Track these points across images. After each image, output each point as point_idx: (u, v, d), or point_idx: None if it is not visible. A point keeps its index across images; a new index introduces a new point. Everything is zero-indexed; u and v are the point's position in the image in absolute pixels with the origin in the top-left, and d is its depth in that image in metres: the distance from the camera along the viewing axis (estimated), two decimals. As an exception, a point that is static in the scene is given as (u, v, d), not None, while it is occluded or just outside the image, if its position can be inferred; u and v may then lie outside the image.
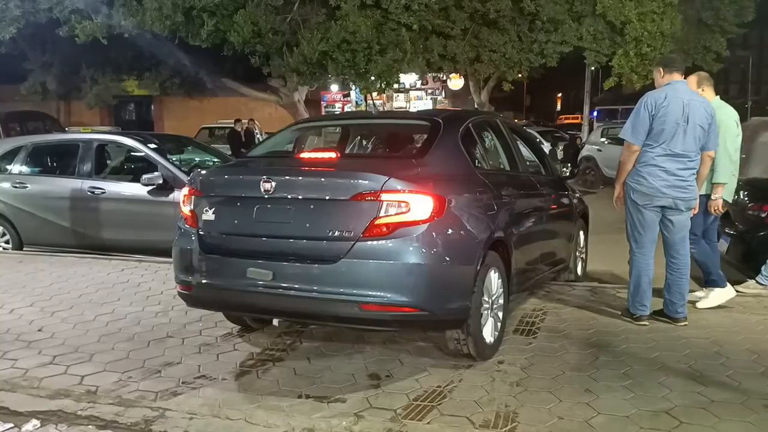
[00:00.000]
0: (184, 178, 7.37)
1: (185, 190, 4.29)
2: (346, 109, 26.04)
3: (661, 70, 4.88)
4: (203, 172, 4.41)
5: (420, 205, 3.68)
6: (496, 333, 4.28)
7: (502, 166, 5.24)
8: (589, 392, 3.62)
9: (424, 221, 3.67)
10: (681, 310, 4.85)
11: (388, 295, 3.63)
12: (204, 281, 4.09)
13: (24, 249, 8.02)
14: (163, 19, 14.34)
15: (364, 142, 5.85)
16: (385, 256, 3.64)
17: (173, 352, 4.36)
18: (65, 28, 15.29)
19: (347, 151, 5.60)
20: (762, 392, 3.60)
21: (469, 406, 3.46)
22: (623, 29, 15.66)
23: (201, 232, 4.12)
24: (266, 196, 3.89)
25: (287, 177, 3.98)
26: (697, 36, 19.46)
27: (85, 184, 7.65)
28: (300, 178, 4.01)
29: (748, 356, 4.18)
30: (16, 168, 8.20)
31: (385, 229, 3.65)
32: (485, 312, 4.14)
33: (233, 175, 4.39)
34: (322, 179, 3.95)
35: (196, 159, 9.68)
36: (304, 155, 4.52)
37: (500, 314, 4.35)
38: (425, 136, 4.46)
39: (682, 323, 4.82)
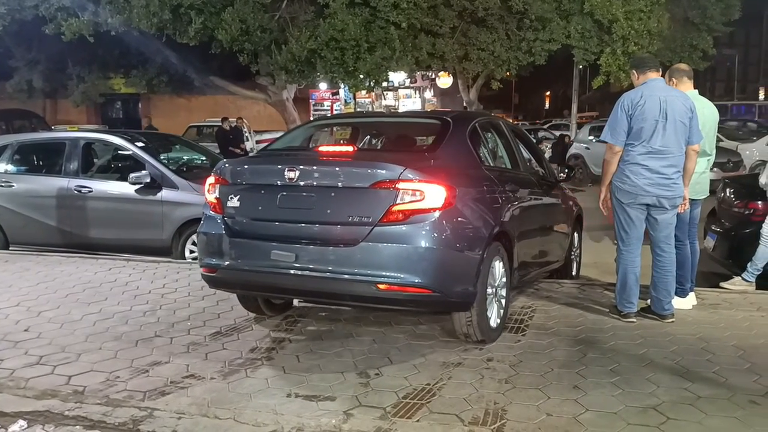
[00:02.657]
0: (172, 176, 7.36)
1: (211, 179, 4.53)
2: (335, 107, 26.00)
3: (635, 72, 4.91)
4: (228, 162, 4.69)
5: (433, 194, 3.95)
6: (499, 318, 4.57)
7: (504, 165, 5.44)
8: (577, 389, 3.63)
9: (436, 209, 3.95)
10: (668, 307, 4.88)
11: (403, 276, 3.89)
12: (228, 263, 4.35)
13: (10, 248, 7.96)
14: (150, 16, 14.25)
15: (378, 139, 6.04)
16: (401, 240, 3.92)
17: (161, 351, 4.34)
18: (51, 26, 15.18)
19: (362, 146, 5.80)
20: (748, 388, 3.63)
21: (458, 403, 3.47)
22: (611, 27, 15.76)
23: (226, 218, 4.39)
24: (290, 184, 4.17)
25: (310, 166, 4.24)
26: (683, 34, 19.61)
27: (72, 182, 7.60)
28: (322, 167, 4.28)
29: (734, 352, 4.21)
30: (1, 167, 8.11)
31: (401, 216, 3.94)
32: (490, 298, 4.41)
33: (258, 165, 4.66)
34: (344, 169, 4.20)
35: (184, 157, 9.66)
36: (323, 149, 4.72)
37: (503, 302, 4.62)
38: (436, 133, 4.74)
39: (669, 320, 4.85)
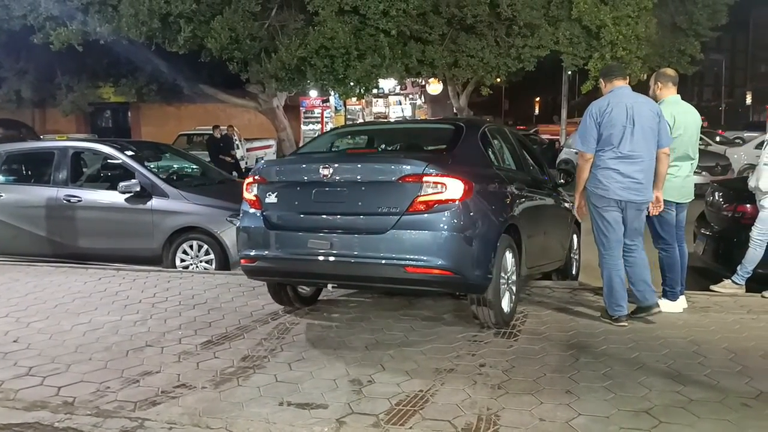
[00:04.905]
0: (162, 185, 7.33)
1: (249, 179, 5.00)
2: (326, 114, 26.00)
3: (602, 81, 5.10)
4: (265, 163, 5.32)
5: (453, 187, 4.42)
6: (511, 305, 4.97)
7: (511, 167, 5.85)
8: (569, 394, 3.63)
9: (456, 200, 4.41)
10: (649, 296, 4.95)
11: (427, 259, 4.36)
12: (267, 253, 4.77)
13: (-1, 259, 7.90)
14: (139, 25, 14.23)
15: (399, 142, 6.34)
16: (425, 228, 4.39)
17: (152, 361, 4.31)
18: (40, 35, 15.12)
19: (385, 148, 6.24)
20: (739, 390, 3.64)
21: (451, 409, 3.46)
22: (599, 33, 15.86)
23: (265, 213, 4.81)
24: (324, 180, 4.63)
25: (343, 164, 4.77)
26: (671, 39, 19.79)
27: (61, 192, 7.56)
28: (354, 164, 4.79)
29: (726, 355, 4.23)
30: (-10, 177, 8.07)
31: (425, 206, 4.41)
32: (503, 285, 4.81)
33: (294, 164, 5.20)
34: (373, 165, 4.75)
35: (174, 166, 9.62)
36: (347, 151, 5.14)
37: (513, 290, 5.01)
38: (451, 135, 5.23)
39: (656, 310, 4.93)
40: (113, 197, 7.38)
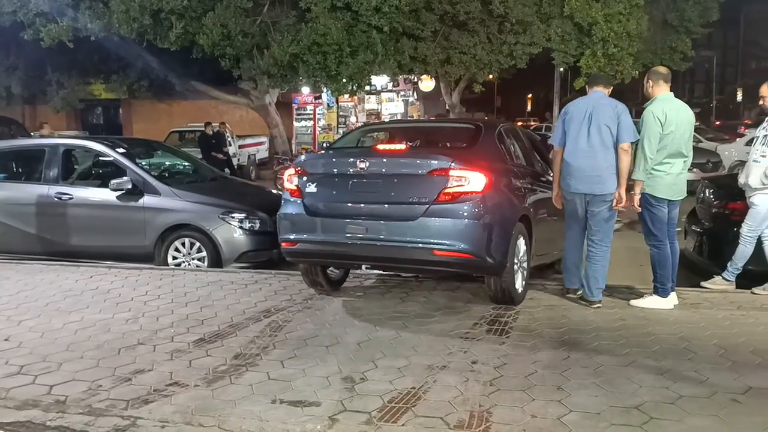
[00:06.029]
0: (154, 182, 7.30)
1: (291, 171, 5.52)
2: (318, 111, 25.96)
3: (587, 85, 5.64)
4: (306, 156, 5.95)
5: (476, 180, 4.92)
6: (523, 285, 5.48)
7: (522, 163, 6.28)
8: (561, 390, 3.65)
9: (478, 192, 4.90)
10: (595, 294, 5.29)
11: (451, 244, 4.86)
12: (307, 237, 5.29)
13: (-11, 257, 7.85)
14: (131, 21, 14.18)
15: (425, 139, 6.81)
16: (450, 216, 4.89)
17: (144, 359, 4.30)
18: (30, 32, 15.04)
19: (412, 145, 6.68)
20: (729, 386, 3.67)
21: (444, 406, 3.47)
22: (590, 30, 15.91)
23: (306, 201, 5.31)
24: (361, 173, 5.16)
25: (378, 158, 5.32)
26: (663, 36, 19.85)
27: (52, 189, 7.52)
28: (388, 159, 5.32)
29: (716, 351, 4.26)
30: (-20, 174, 8.01)
31: (450, 197, 4.91)
32: (516, 267, 5.30)
33: (332, 158, 5.66)
34: (405, 160, 5.27)
35: (166, 163, 9.58)
36: (381, 146, 5.71)
37: (525, 273, 5.51)
38: (471, 134, 5.81)
39: (596, 305, 5.27)
40: (104, 195, 7.35)
